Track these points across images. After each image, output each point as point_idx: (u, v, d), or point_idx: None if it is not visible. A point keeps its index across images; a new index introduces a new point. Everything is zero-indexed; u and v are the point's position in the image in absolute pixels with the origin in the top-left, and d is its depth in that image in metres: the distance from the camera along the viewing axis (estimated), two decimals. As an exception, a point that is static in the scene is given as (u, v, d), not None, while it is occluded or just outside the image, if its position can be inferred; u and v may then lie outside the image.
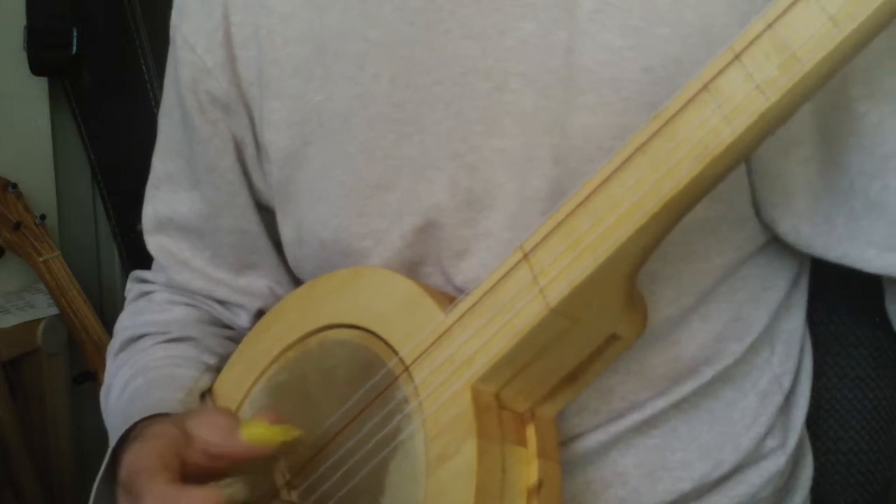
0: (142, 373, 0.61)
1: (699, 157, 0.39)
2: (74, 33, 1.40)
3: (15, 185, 1.36)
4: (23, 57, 1.39)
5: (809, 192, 0.51)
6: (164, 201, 0.66)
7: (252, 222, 0.64)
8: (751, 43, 0.38)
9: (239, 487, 0.47)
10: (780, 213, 0.52)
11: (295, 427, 0.49)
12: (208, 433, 0.48)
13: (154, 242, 0.67)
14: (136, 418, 0.54)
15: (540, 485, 0.44)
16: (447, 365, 0.46)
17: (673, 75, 0.47)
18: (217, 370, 0.62)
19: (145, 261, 0.70)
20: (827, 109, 0.48)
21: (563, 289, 0.43)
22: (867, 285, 0.55)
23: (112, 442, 0.54)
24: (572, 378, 0.47)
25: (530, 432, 0.46)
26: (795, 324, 0.59)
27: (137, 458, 0.47)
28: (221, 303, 0.67)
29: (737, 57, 0.38)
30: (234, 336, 0.66)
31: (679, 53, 0.47)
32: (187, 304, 0.67)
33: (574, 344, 0.45)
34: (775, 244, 0.56)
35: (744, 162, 0.49)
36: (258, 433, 0.47)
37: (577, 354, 0.46)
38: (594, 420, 0.54)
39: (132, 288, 0.71)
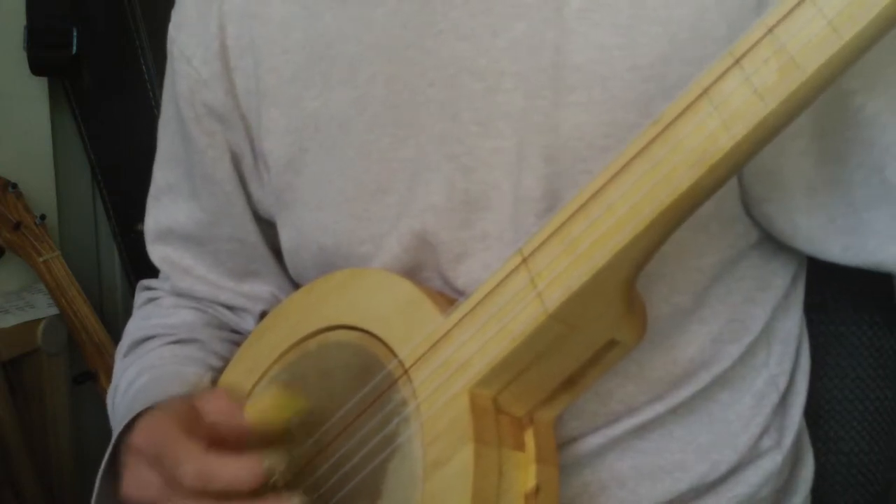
0: (147, 370, 0.61)
1: (697, 163, 0.39)
2: (74, 33, 1.40)
3: (15, 185, 1.36)
4: (23, 57, 1.39)
5: (806, 186, 0.50)
6: (164, 211, 0.67)
7: (250, 232, 0.64)
8: (750, 48, 0.38)
9: (277, 458, 0.44)
10: (775, 209, 0.52)
11: (303, 398, 0.46)
12: (213, 411, 0.45)
13: (156, 252, 0.68)
14: (140, 409, 0.54)
15: (537, 490, 0.44)
16: (445, 368, 0.46)
17: (663, 73, 0.47)
18: (221, 373, 0.62)
19: (145, 261, 0.71)
20: (822, 104, 0.48)
21: (560, 294, 0.43)
22: (867, 285, 0.55)
23: (115, 434, 0.54)
24: (571, 383, 0.47)
25: (528, 437, 0.46)
26: (792, 323, 0.59)
27: (158, 427, 0.45)
28: (228, 307, 0.68)
29: (736, 62, 0.38)
30: (240, 340, 0.66)
31: (669, 51, 0.47)
32: (194, 309, 0.68)
33: (573, 349, 0.45)
34: (771, 243, 0.56)
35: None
36: (262, 410, 0.45)
37: (575, 359, 0.46)
38: (592, 423, 0.54)
39: (139, 296, 0.72)
